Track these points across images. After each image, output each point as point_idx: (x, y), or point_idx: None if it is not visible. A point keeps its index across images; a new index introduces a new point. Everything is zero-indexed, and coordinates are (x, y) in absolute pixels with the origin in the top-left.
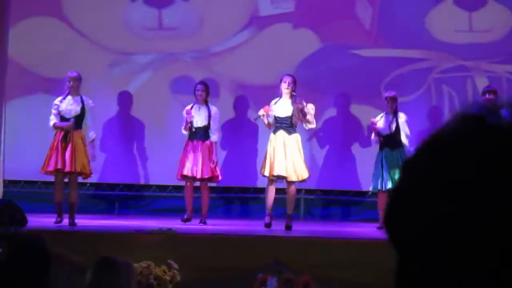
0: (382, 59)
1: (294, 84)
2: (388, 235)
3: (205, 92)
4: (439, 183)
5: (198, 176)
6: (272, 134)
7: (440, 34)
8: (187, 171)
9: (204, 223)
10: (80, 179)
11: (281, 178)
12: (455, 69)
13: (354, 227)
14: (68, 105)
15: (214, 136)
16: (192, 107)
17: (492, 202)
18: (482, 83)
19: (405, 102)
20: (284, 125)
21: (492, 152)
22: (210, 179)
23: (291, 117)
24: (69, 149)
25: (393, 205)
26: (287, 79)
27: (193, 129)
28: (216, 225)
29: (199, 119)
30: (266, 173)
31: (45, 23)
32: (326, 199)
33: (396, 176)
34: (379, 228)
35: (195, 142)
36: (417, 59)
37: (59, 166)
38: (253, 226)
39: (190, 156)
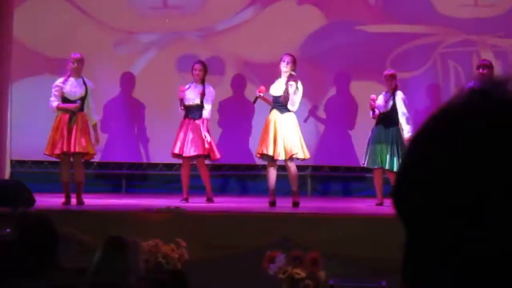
0: (387, 35)
1: (293, 63)
2: (396, 210)
3: (203, 72)
4: (446, 157)
5: (187, 154)
6: (269, 114)
7: (445, 9)
8: (177, 149)
9: (211, 200)
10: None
11: (267, 157)
12: (461, 44)
13: (361, 203)
14: (72, 86)
15: (205, 112)
16: (189, 86)
17: (498, 174)
18: (487, 57)
19: (411, 77)
20: (277, 104)
21: (497, 126)
22: (206, 156)
23: (282, 96)
24: (74, 130)
25: (401, 180)
26: (286, 58)
27: (181, 107)
28: (223, 203)
29: (191, 98)
30: (255, 153)
31: (49, 3)
32: (332, 176)
33: (386, 155)
34: (378, 204)
35: (187, 120)
36: (422, 34)
37: (65, 149)
38: (259, 203)
39: (181, 134)
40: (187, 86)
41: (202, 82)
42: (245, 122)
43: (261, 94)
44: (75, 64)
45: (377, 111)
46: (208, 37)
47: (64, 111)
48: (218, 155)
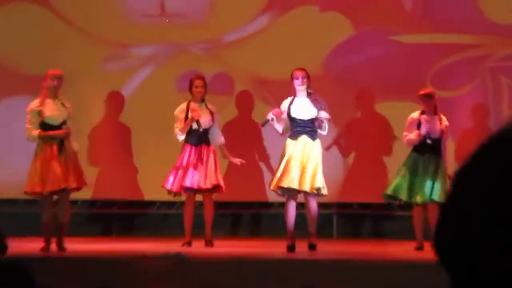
0: (427, 47)
1: (308, 79)
2: (438, 256)
3: (205, 88)
4: (493, 197)
5: (205, 186)
6: (289, 140)
7: (497, 15)
8: (191, 182)
9: (211, 243)
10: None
11: (288, 191)
12: None
13: (397, 247)
14: (52, 109)
15: (222, 138)
16: (188, 105)
17: None
18: None
19: (454, 97)
20: (307, 129)
21: None
22: (214, 190)
23: (314, 120)
24: (66, 162)
25: (444, 222)
26: (299, 74)
27: (201, 130)
28: (232, 247)
29: (204, 120)
30: (273, 186)
31: (28, 13)
32: (362, 215)
33: (429, 188)
34: (417, 248)
35: (199, 146)
36: (469, 46)
37: (62, 185)
38: (274, 248)
39: (194, 163)
40: (184, 106)
41: (203, 101)
42: (256, 151)
43: (274, 118)
44: (55, 82)
45: (422, 131)
46: (214, 51)
47: (49, 140)
48: (224, 188)
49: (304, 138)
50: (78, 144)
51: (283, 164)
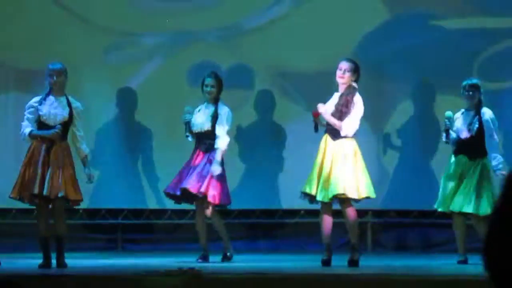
0: (474, 33)
1: (353, 72)
2: (486, 269)
3: (216, 88)
4: None
5: (196, 192)
6: (322, 141)
7: None
8: (171, 188)
9: (228, 258)
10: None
11: (307, 196)
12: None
13: (442, 260)
14: (51, 107)
15: (219, 141)
16: (200, 108)
17: None
18: None
19: (504, 90)
20: (329, 127)
21: None
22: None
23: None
24: (52, 167)
25: (494, 232)
26: (343, 66)
27: (186, 134)
28: (251, 262)
29: (200, 122)
30: (306, 189)
31: None
32: (401, 224)
33: (469, 195)
34: (460, 262)
35: (197, 150)
36: None
37: (38, 191)
38: (304, 262)
39: (186, 168)
40: (198, 108)
41: (216, 101)
42: (278, 153)
43: (320, 112)
44: (54, 78)
45: (453, 134)
46: (230, 39)
47: (40, 141)
48: (217, 200)
49: (325, 138)
50: (88, 149)
51: (315, 166)
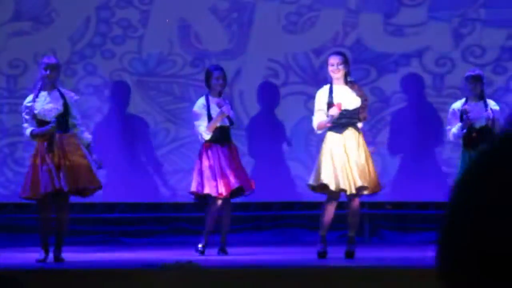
0: None
1: (345, 64)
2: (438, 262)
3: (224, 81)
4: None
5: (228, 190)
6: (330, 133)
7: None
8: (212, 188)
9: (225, 251)
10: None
11: (331, 192)
12: None
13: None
14: (44, 103)
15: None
16: (207, 100)
17: None
18: None
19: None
20: (353, 120)
21: None
22: (240, 190)
23: (359, 109)
24: (59, 160)
25: (445, 227)
26: (335, 60)
27: (229, 126)
28: (250, 255)
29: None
30: (312, 182)
31: None
32: (399, 215)
33: None
34: None
35: (219, 145)
36: None
37: (57, 186)
38: (299, 254)
39: (217, 166)
40: (202, 101)
41: (220, 95)
42: (276, 144)
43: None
44: (48, 72)
45: (465, 121)
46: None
47: (42, 137)
48: (254, 186)
49: (350, 131)
50: (90, 136)
51: (324, 160)
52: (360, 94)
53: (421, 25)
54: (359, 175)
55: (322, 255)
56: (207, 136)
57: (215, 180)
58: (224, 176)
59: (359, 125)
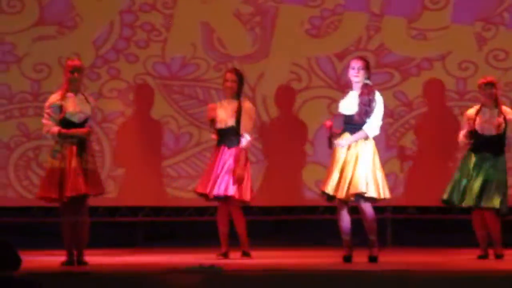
0: None
1: (366, 69)
2: None
3: (237, 83)
4: None
5: (218, 193)
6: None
7: None
8: (203, 187)
9: (247, 255)
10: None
11: (330, 198)
12: None
13: (462, 255)
14: (75, 105)
15: (244, 140)
16: (221, 104)
17: None
18: None
19: None
20: (349, 126)
21: None
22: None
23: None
24: (85, 164)
25: None
26: (356, 64)
27: (217, 129)
28: (273, 258)
29: (223, 118)
30: (327, 190)
31: None
32: (421, 220)
33: (487, 194)
34: (480, 257)
35: (220, 148)
36: None
37: (82, 192)
38: (321, 258)
39: (211, 167)
40: (218, 104)
41: (237, 96)
42: (298, 149)
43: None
44: (75, 75)
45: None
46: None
47: (69, 139)
48: (248, 197)
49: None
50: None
51: (332, 165)
52: (362, 97)
53: (444, 29)
54: (352, 181)
55: (347, 259)
56: (213, 137)
57: (209, 180)
58: (213, 178)
59: (369, 132)
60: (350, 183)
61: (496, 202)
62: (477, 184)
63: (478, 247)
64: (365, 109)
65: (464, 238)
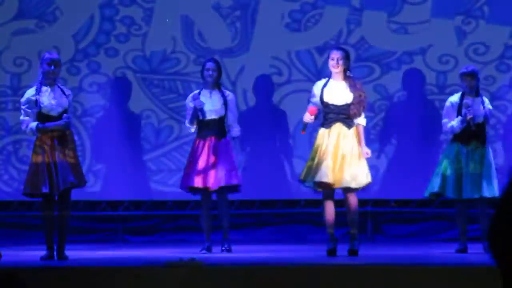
0: None
1: (346, 60)
2: (493, 258)
3: (217, 72)
4: None
5: (213, 186)
6: (322, 129)
7: None
8: (198, 181)
9: (229, 250)
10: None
11: (324, 187)
12: None
13: (440, 249)
14: (50, 98)
15: (236, 130)
16: (199, 93)
17: None
18: None
19: None
20: (341, 116)
21: None
22: (229, 188)
23: (350, 106)
24: (62, 156)
25: (500, 220)
26: (336, 55)
27: (205, 120)
28: (253, 252)
29: (212, 108)
30: (304, 177)
31: None
32: (401, 213)
33: (483, 184)
34: (459, 251)
35: (208, 139)
36: None
37: (65, 185)
38: (301, 252)
39: (202, 159)
40: (196, 92)
41: (218, 86)
42: (277, 142)
43: (312, 118)
44: (52, 68)
45: (453, 122)
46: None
47: (48, 133)
48: (240, 186)
49: (337, 126)
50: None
51: (314, 155)
52: (355, 90)
53: (424, 22)
54: (344, 170)
55: (331, 252)
56: (190, 129)
57: (196, 173)
58: (206, 171)
59: (359, 121)
60: (354, 173)
61: (496, 191)
62: (475, 176)
63: (457, 240)
64: (359, 100)
65: (444, 230)
